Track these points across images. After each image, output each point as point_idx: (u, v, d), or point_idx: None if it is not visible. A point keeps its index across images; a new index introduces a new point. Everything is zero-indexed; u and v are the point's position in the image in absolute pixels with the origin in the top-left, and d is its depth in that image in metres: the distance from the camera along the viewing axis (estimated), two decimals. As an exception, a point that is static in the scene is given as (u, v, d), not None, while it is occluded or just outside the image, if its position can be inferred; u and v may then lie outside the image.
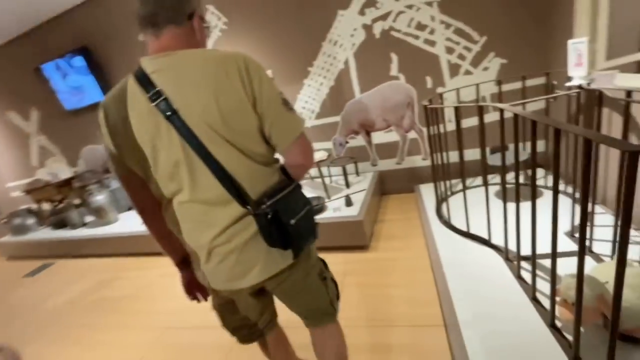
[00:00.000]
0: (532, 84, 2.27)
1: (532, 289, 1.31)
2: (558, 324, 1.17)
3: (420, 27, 2.50)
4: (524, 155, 2.03)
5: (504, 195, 1.46)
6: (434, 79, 2.62)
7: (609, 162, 1.71)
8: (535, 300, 1.31)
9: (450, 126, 2.54)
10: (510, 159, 2.06)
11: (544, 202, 1.96)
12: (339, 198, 2.52)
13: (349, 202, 2.36)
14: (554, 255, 1.08)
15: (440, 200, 2.25)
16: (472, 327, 1.27)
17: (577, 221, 1.71)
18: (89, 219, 3.75)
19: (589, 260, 1.47)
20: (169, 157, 0.73)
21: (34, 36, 3.75)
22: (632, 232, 1.49)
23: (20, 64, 3.94)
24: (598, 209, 1.75)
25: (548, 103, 2.09)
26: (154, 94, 0.70)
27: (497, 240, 1.72)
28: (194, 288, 1.04)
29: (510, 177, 2.36)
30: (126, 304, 2.31)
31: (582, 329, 0.99)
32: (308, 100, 3.02)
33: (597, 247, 1.51)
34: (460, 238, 1.90)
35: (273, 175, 0.81)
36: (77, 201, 4.10)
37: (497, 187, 2.38)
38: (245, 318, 1.02)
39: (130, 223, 3.26)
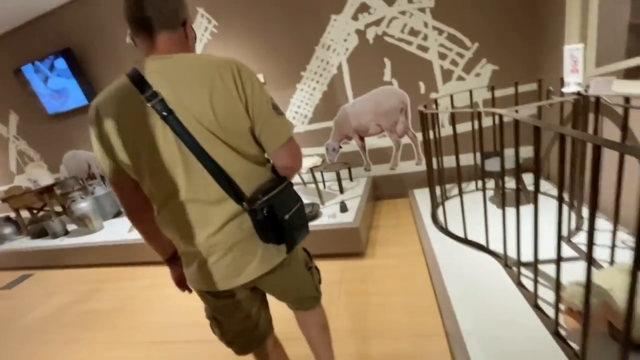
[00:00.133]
0: (524, 90, 2.30)
1: (534, 296, 1.29)
2: (562, 332, 1.16)
3: (414, 32, 2.51)
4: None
5: (503, 201, 1.45)
6: (427, 84, 2.62)
7: (605, 168, 1.73)
8: (537, 308, 1.29)
9: (445, 131, 2.56)
10: (498, 165, 2.07)
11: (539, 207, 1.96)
12: (334, 204, 2.48)
13: (344, 208, 2.32)
14: (559, 262, 1.06)
15: (436, 205, 2.24)
16: (475, 336, 1.25)
17: (572, 226, 1.72)
18: (71, 227, 3.60)
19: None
20: (164, 157, 0.74)
21: (15, 37, 3.60)
22: (628, 237, 1.51)
23: (0, 65, 3.78)
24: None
25: (540, 109, 2.11)
26: (150, 95, 0.71)
27: (494, 246, 1.71)
28: (183, 280, 1.03)
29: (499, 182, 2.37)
30: (110, 318, 2.20)
31: (589, 338, 0.98)
32: (301, 105, 2.99)
33: (594, 253, 1.51)
34: (457, 244, 1.89)
35: (266, 174, 0.84)
36: (58, 209, 3.93)
37: (490, 192, 2.39)
38: (245, 320, 0.98)
39: (115, 231, 3.13)
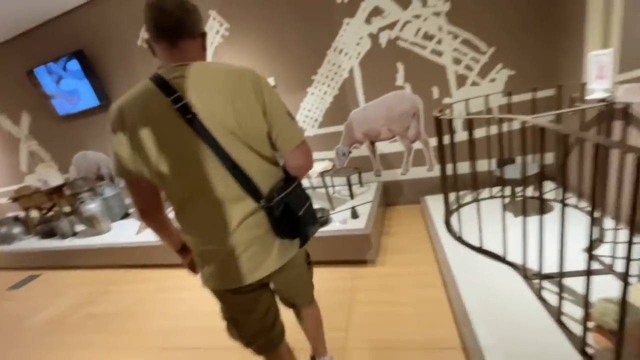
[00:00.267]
0: (540, 96, 2.24)
1: (558, 311, 1.24)
2: (589, 350, 1.10)
3: (428, 37, 2.47)
4: (534, 168, 1.98)
5: (524, 209, 1.39)
6: (440, 89, 2.58)
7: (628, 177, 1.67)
8: (561, 323, 1.24)
9: (458, 137, 2.50)
10: (517, 172, 2.02)
11: (558, 216, 1.90)
12: (344, 210, 2.44)
13: (354, 214, 2.28)
14: (589, 276, 1.01)
15: (450, 212, 2.19)
16: (496, 352, 1.19)
17: (595, 237, 1.66)
18: (79, 228, 3.60)
19: (612, 280, 1.41)
20: (188, 158, 0.79)
21: (28, 39, 3.64)
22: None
23: (13, 66, 3.82)
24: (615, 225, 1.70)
25: (559, 116, 2.06)
26: (175, 98, 0.75)
27: (511, 256, 1.66)
28: (195, 264, 1.05)
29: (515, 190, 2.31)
30: (118, 322, 2.18)
31: None
32: (311, 109, 2.96)
33: (619, 266, 1.45)
34: (472, 253, 1.83)
35: (278, 174, 0.91)
36: (67, 209, 3.94)
37: (506, 200, 2.33)
38: (262, 319, 1.01)
39: (124, 233, 3.13)
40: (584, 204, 2.04)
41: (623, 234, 1.64)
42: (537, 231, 1.27)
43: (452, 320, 1.55)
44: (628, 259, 0.81)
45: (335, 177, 2.97)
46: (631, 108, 1.38)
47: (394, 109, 2.72)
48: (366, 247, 2.13)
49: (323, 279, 2.12)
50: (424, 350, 1.44)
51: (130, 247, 2.84)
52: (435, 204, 2.57)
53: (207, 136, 0.77)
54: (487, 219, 1.77)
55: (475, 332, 1.30)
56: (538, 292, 1.39)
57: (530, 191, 2.35)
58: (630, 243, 0.80)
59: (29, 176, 4.46)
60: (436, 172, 2.82)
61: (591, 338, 1.08)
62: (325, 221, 2.31)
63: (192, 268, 1.06)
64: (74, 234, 3.46)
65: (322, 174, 2.53)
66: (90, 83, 3.48)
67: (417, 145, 2.79)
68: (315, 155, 3.07)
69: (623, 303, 0.84)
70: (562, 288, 1.20)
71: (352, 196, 2.70)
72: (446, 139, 1.98)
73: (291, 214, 0.86)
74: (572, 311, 1.28)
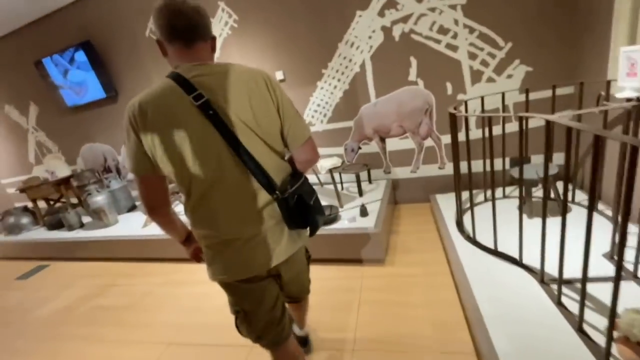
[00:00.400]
0: (559, 93, 2.16)
1: (579, 320, 1.19)
2: (613, 362, 1.05)
3: (443, 30, 2.39)
4: (554, 168, 1.92)
5: (544, 211, 1.34)
6: (454, 85, 2.51)
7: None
8: (582, 332, 1.19)
9: (472, 135, 2.43)
10: (532, 172, 1.96)
11: (575, 218, 1.84)
12: (353, 208, 2.40)
13: (364, 212, 2.23)
14: (617, 283, 0.96)
15: (462, 212, 2.13)
16: (514, 360, 1.15)
17: (617, 241, 1.60)
18: (86, 220, 3.61)
19: (634, 287, 1.36)
20: (207, 153, 0.82)
21: (36, 29, 3.61)
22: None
23: (21, 56, 3.80)
24: (634, 228, 1.63)
25: (580, 115, 1.98)
26: (196, 96, 0.79)
27: (527, 259, 1.61)
28: (200, 252, 1.07)
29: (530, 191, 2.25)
30: (124, 315, 2.17)
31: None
32: (320, 104, 2.90)
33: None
34: (486, 255, 1.78)
35: (287, 168, 0.96)
36: (74, 201, 3.96)
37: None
38: (271, 310, 1.03)
39: (130, 226, 3.12)
40: (601, 206, 1.97)
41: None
42: (557, 234, 1.22)
43: (464, 324, 1.51)
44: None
45: (344, 174, 2.92)
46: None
47: (406, 105, 2.65)
48: (375, 246, 2.09)
49: (331, 277, 2.09)
50: (435, 354, 1.41)
51: (137, 240, 2.84)
52: (446, 202, 2.51)
53: (226, 132, 0.81)
54: (500, 219, 1.72)
55: (491, 338, 1.25)
56: (557, 298, 1.34)
57: (545, 192, 2.28)
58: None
59: (37, 167, 4.48)
60: (447, 170, 2.75)
61: (616, 350, 1.04)
62: (334, 218, 2.27)
63: (196, 257, 1.10)
64: (81, 226, 3.47)
65: (331, 171, 2.49)
66: (97, 75, 3.46)
67: (428, 142, 2.73)
68: (324, 151, 3.02)
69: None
70: (584, 295, 1.15)
71: (360, 193, 2.65)
72: (460, 137, 1.92)
73: (304, 204, 0.93)
74: (593, 319, 1.23)
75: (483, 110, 2.24)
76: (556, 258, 1.31)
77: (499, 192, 2.41)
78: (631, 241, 1.53)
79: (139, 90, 3.62)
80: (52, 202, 3.99)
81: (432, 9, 2.36)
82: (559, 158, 2.28)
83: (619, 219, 1.51)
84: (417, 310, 1.67)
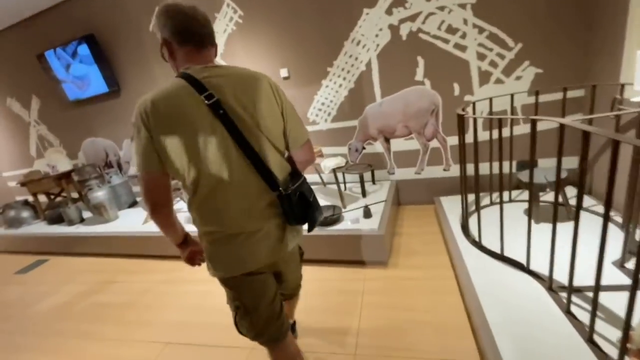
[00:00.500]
0: (569, 96, 2.12)
1: (590, 330, 1.15)
2: (626, 375, 1.02)
3: (451, 30, 2.35)
4: (563, 172, 1.87)
5: (554, 217, 1.30)
6: (461, 86, 2.46)
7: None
8: (592, 343, 1.15)
9: (478, 137, 2.39)
10: (541, 176, 1.92)
11: (583, 224, 1.80)
12: (356, 209, 2.36)
13: (367, 214, 2.20)
14: (634, 293, 0.92)
15: (467, 215, 2.10)
16: (522, 371, 1.12)
17: (616, 248, 1.56)
18: (87, 215, 3.59)
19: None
20: (217, 150, 0.85)
21: (39, 21, 3.58)
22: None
23: (24, 49, 3.78)
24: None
25: (590, 119, 1.94)
26: (207, 95, 0.83)
27: (534, 265, 1.57)
28: (195, 255, 1.12)
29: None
30: (123, 313, 2.15)
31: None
32: (325, 102, 2.87)
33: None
34: (492, 260, 1.75)
35: (288, 167, 1.01)
36: (75, 196, 3.94)
37: (526, 205, 2.23)
38: (271, 305, 1.05)
39: (130, 222, 3.10)
40: (612, 212, 1.93)
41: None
42: (563, 240, 1.18)
43: (469, 331, 1.48)
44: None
45: (348, 174, 2.89)
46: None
47: (412, 105, 2.61)
48: (378, 248, 2.05)
49: (333, 278, 2.06)
50: (439, 361, 1.37)
51: (137, 237, 2.81)
52: (450, 205, 2.47)
53: (235, 131, 0.85)
54: (506, 224, 1.68)
55: (497, 347, 1.22)
56: (566, 307, 1.30)
57: (552, 197, 2.25)
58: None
59: (38, 161, 4.46)
60: (452, 172, 2.72)
61: (629, 362, 1.00)
62: (337, 219, 2.24)
63: (191, 260, 1.12)
64: (82, 221, 3.45)
65: (335, 170, 2.45)
66: (100, 69, 3.43)
67: (433, 143, 2.69)
68: (327, 150, 2.99)
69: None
70: (596, 304, 1.11)
71: (364, 194, 2.62)
72: (466, 138, 1.88)
73: (305, 201, 0.98)
74: (603, 329, 1.20)
75: (491, 112, 2.20)
76: (563, 265, 1.28)
77: (504, 195, 2.37)
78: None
79: (141, 85, 3.58)
80: (52, 197, 3.97)
81: (441, 8, 2.32)
82: (566, 162, 2.24)
83: (630, 227, 1.47)
84: (421, 315, 1.64)
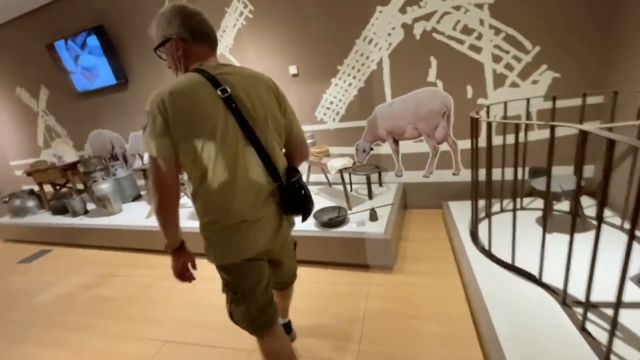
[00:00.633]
0: (587, 103, 2.04)
1: (607, 350, 1.09)
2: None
3: (467, 30, 2.28)
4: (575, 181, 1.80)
5: (572, 228, 1.23)
6: (475, 88, 2.40)
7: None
8: (609, 363, 1.10)
9: (491, 141, 2.33)
10: (555, 185, 1.85)
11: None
12: (362, 211, 2.31)
13: (374, 217, 2.15)
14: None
15: (477, 222, 2.03)
16: (533, 390, 1.07)
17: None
18: (91, 206, 3.59)
19: (666, 316, 1.25)
20: (230, 142, 0.91)
21: (49, 11, 3.58)
22: None
23: (34, 39, 3.78)
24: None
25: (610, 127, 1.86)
26: (222, 89, 0.89)
27: (546, 277, 1.51)
28: (187, 268, 1.10)
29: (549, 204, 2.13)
30: (124, 307, 2.13)
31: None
32: (334, 101, 2.82)
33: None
34: (502, 270, 1.69)
35: (286, 162, 1.09)
36: (80, 187, 3.94)
37: (538, 213, 2.16)
38: (265, 291, 1.09)
39: (134, 215, 3.08)
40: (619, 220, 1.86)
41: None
42: (578, 252, 1.12)
43: (476, 343, 1.43)
44: None
45: (354, 175, 2.84)
46: None
47: (423, 107, 2.55)
48: (384, 252, 2.00)
49: (336, 281, 2.02)
50: (445, 373, 1.33)
51: (140, 231, 2.79)
52: (459, 210, 2.41)
53: (244, 123, 0.92)
54: (516, 232, 1.62)
55: (507, 361, 1.17)
56: (581, 324, 1.25)
57: (565, 206, 2.18)
58: None
59: (45, 151, 4.48)
60: (462, 177, 2.65)
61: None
62: (342, 221, 2.19)
63: (183, 275, 1.09)
64: (86, 212, 3.44)
65: (341, 171, 2.40)
66: (108, 61, 3.41)
67: (443, 147, 2.63)
68: (334, 150, 2.94)
69: None
70: (615, 323, 1.05)
71: (370, 196, 2.57)
72: (479, 143, 1.82)
73: (301, 192, 1.05)
74: (620, 349, 1.14)
75: (505, 117, 2.13)
76: (576, 278, 1.22)
77: (512, 203, 2.30)
78: (663, 266, 1.43)
79: (149, 78, 3.55)
80: (58, 187, 3.98)
81: (457, 7, 2.25)
82: (586, 171, 2.17)
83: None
84: (427, 324, 1.59)
